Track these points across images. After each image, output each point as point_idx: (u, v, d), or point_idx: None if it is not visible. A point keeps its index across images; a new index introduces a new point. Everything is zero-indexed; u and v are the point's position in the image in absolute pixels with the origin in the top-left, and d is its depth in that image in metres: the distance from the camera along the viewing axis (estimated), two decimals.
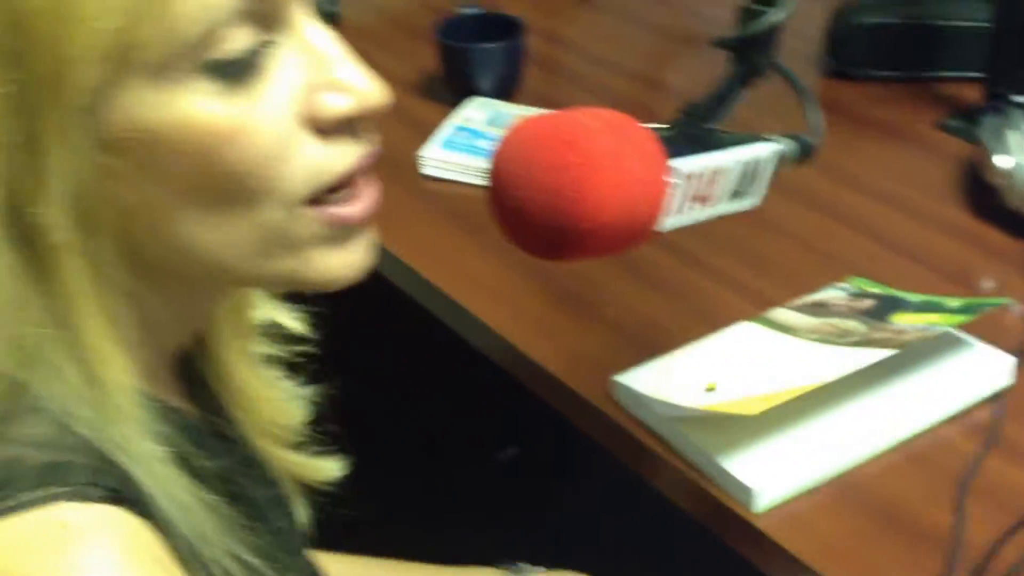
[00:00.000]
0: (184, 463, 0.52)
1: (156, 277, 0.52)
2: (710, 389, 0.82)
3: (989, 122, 1.07)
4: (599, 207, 0.58)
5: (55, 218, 0.46)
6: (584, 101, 1.30)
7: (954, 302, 0.87)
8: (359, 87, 0.50)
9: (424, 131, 1.20)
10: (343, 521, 0.79)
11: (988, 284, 0.99)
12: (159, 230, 0.49)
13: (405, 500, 1.36)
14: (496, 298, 0.99)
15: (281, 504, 0.68)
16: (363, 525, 0.90)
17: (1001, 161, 1.01)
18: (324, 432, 0.74)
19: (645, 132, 0.62)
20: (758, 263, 1.01)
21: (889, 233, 1.04)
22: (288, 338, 0.71)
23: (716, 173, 0.66)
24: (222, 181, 0.48)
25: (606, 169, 0.58)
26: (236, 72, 0.47)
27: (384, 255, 1.06)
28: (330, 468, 0.74)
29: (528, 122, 0.61)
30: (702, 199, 0.66)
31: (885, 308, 0.88)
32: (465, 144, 1.16)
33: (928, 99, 1.23)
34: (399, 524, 1.15)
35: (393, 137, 1.24)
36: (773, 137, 0.74)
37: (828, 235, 1.05)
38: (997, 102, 1.09)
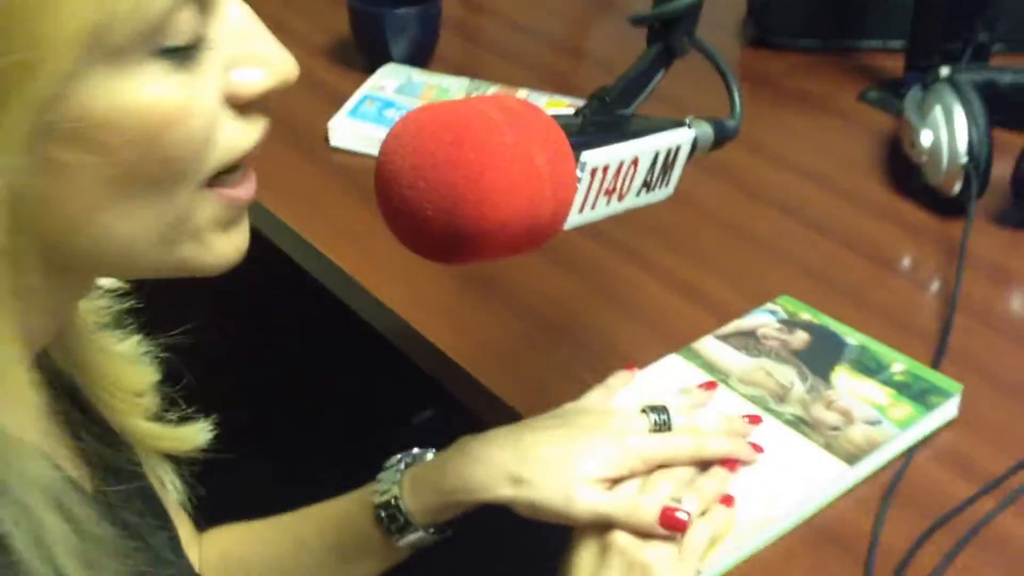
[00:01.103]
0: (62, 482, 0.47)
1: (57, 276, 0.48)
2: None
3: (912, 94, 1.01)
4: (497, 207, 0.50)
5: None
6: (502, 69, 1.24)
7: (896, 367, 0.78)
8: (274, 60, 0.49)
9: (336, 100, 1.11)
10: (257, 487, 0.72)
11: (906, 263, 0.94)
12: (77, 225, 0.46)
13: (320, 464, 1.30)
14: (400, 279, 0.91)
15: (151, 513, 0.62)
16: (276, 490, 0.82)
17: (922, 137, 0.95)
18: (184, 398, 0.68)
19: (548, 121, 0.54)
20: (676, 243, 0.94)
21: (809, 211, 0.98)
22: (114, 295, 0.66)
23: (626, 165, 0.59)
24: (159, 166, 0.45)
25: (506, 165, 0.50)
26: (184, 53, 0.45)
27: (284, 229, 0.99)
28: (195, 435, 0.69)
29: (420, 111, 0.53)
30: (612, 193, 0.59)
31: (822, 354, 0.79)
32: (373, 114, 1.07)
33: (851, 69, 1.17)
34: (313, 487, 1.09)
35: (302, 106, 1.17)
36: (691, 121, 0.66)
37: (747, 213, 0.98)
38: (920, 74, 1.03)
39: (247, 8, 0.49)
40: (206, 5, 0.46)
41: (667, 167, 0.62)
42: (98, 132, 0.43)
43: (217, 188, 0.49)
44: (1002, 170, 0.93)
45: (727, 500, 0.68)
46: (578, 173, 0.55)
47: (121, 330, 0.66)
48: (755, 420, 0.74)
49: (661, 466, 0.69)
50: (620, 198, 0.59)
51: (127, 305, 0.67)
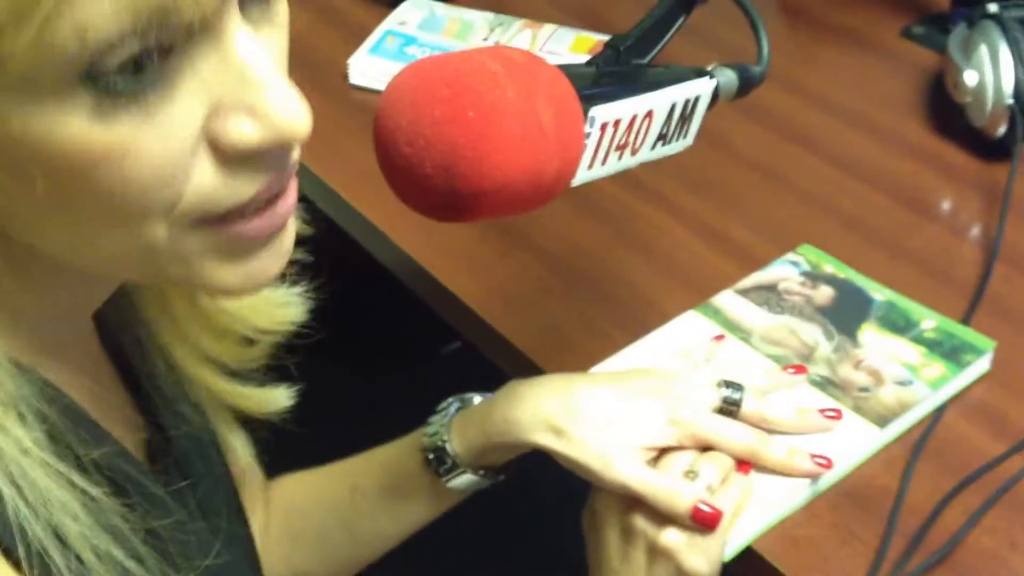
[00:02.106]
0: (60, 447, 0.47)
1: (35, 264, 0.46)
2: None
3: (957, 32, 0.97)
4: (498, 166, 0.49)
5: None
6: (529, 3, 1.21)
7: (927, 323, 0.76)
8: (277, 116, 0.42)
9: (357, 34, 1.09)
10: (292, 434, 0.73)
11: (946, 209, 0.91)
12: (38, 233, 0.44)
13: (352, 400, 1.31)
14: (416, 220, 0.88)
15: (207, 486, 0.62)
16: (314, 429, 0.84)
17: (967, 77, 0.92)
18: (276, 361, 0.69)
19: (555, 74, 0.52)
20: (703, 186, 0.92)
21: (844, 153, 0.95)
22: None
23: (640, 118, 0.57)
24: (93, 201, 0.41)
25: (507, 122, 0.49)
26: (128, 91, 0.39)
27: (301, 168, 0.98)
28: (278, 398, 0.69)
29: (418, 64, 0.51)
30: (624, 148, 0.57)
31: (847, 310, 0.77)
32: (395, 51, 1.05)
33: (895, 3, 1.12)
34: (347, 429, 1.11)
35: (322, 41, 1.15)
36: (713, 68, 0.64)
37: (779, 155, 0.96)
38: (967, 9, 0.99)
39: (260, 47, 0.42)
40: (191, 34, 0.40)
41: (685, 118, 0.60)
42: (11, 156, 0.40)
43: (211, 225, 0.44)
44: None
45: (743, 468, 0.67)
46: (587, 128, 0.54)
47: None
48: (837, 415, 0.70)
49: (706, 447, 0.67)
50: (633, 153, 0.58)
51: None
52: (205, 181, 0.42)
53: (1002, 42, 0.90)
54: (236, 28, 0.41)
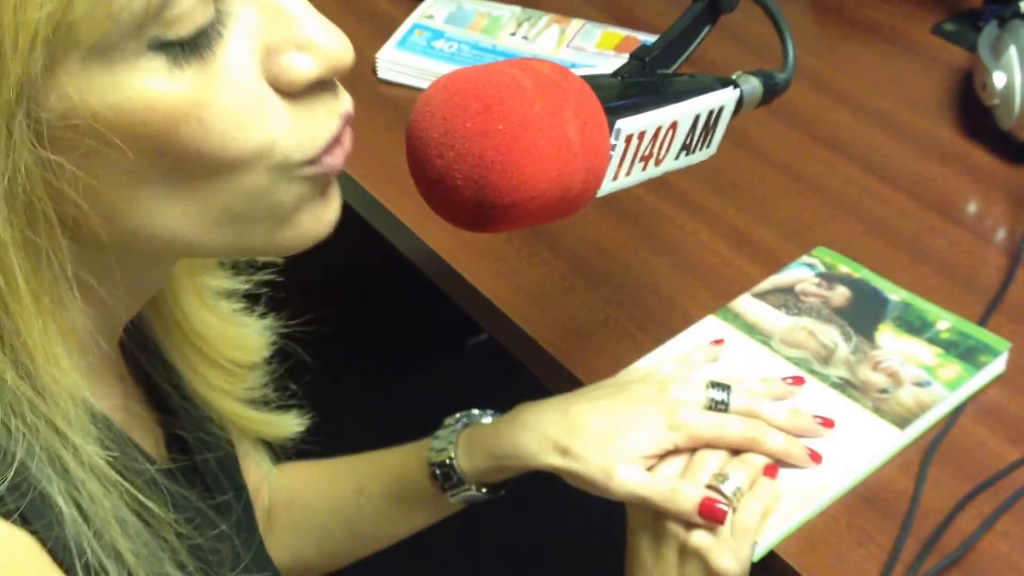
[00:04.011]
0: (117, 466, 0.50)
1: (108, 260, 0.49)
2: None
3: (988, 31, 1.00)
4: (526, 178, 0.53)
5: None
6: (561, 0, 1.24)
7: (942, 324, 0.80)
8: (323, 46, 0.48)
9: (385, 28, 1.13)
10: (317, 426, 0.78)
11: (970, 212, 0.94)
12: (117, 215, 0.47)
13: (378, 391, 1.35)
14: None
15: (228, 499, 0.66)
16: (341, 421, 0.89)
17: (996, 78, 0.95)
18: (286, 387, 0.73)
19: (582, 87, 0.56)
20: (728, 187, 0.96)
21: (870, 154, 0.99)
22: (248, 266, 0.70)
23: (664, 130, 0.60)
24: (186, 159, 0.45)
25: (534, 135, 0.53)
26: (188, 44, 0.44)
27: None
28: (290, 424, 0.74)
29: (450, 76, 0.55)
30: (648, 159, 0.61)
31: (864, 311, 0.81)
32: (422, 45, 1.09)
33: None
34: (379, 417, 1.13)
35: (350, 35, 1.17)
36: (738, 76, 0.68)
37: (805, 155, 0.99)
38: (999, 7, 1.02)
39: None
40: None
41: (708, 129, 0.64)
42: (96, 132, 0.43)
43: (312, 164, 0.49)
44: None
45: (770, 471, 0.70)
46: (612, 141, 0.57)
47: (246, 302, 0.70)
48: (828, 423, 0.74)
49: (708, 445, 0.71)
50: (657, 163, 0.61)
51: (262, 277, 0.70)
52: (286, 120, 0.47)
53: None
54: None
